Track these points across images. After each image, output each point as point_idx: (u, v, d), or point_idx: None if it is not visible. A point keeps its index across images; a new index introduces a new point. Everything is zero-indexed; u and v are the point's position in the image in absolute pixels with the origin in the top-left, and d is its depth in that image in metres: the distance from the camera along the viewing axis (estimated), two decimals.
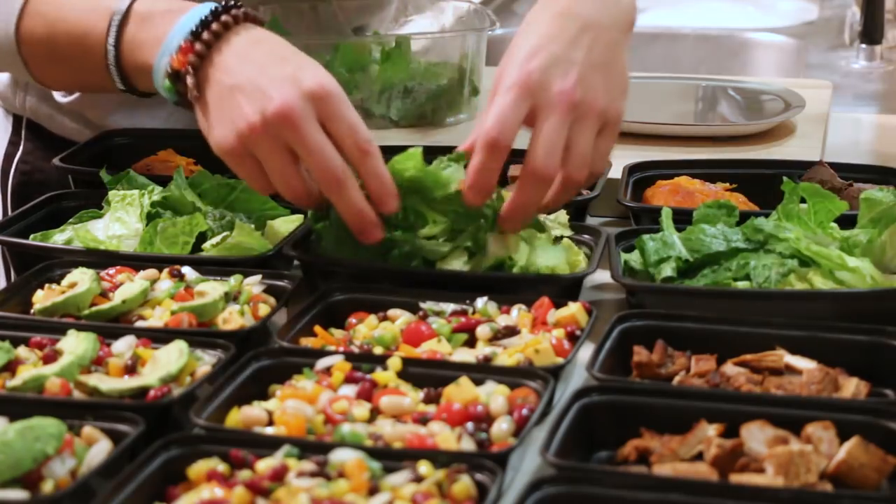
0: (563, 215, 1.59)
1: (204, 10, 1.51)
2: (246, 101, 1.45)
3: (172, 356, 1.31)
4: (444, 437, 1.19)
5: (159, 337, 1.36)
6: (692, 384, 1.30)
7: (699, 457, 1.18)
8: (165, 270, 1.50)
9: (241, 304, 1.45)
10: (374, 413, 1.25)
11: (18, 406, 1.23)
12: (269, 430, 1.22)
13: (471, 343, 1.38)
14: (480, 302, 1.43)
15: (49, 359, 1.31)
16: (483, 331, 1.38)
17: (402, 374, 1.30)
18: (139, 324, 1.42)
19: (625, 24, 1.57)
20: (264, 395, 1.29)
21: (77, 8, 1.62)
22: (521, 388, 1.26)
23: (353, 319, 1.43)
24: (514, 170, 1.67)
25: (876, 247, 1.50)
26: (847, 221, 1.56)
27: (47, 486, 1.13)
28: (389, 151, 1.52)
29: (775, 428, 1.18)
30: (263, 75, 1.45)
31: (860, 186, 1.71)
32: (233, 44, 1.49)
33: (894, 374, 1.33)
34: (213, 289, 1.45)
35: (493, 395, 1.25)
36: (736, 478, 1.14)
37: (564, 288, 1.50)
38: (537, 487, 1.11)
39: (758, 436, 1.17)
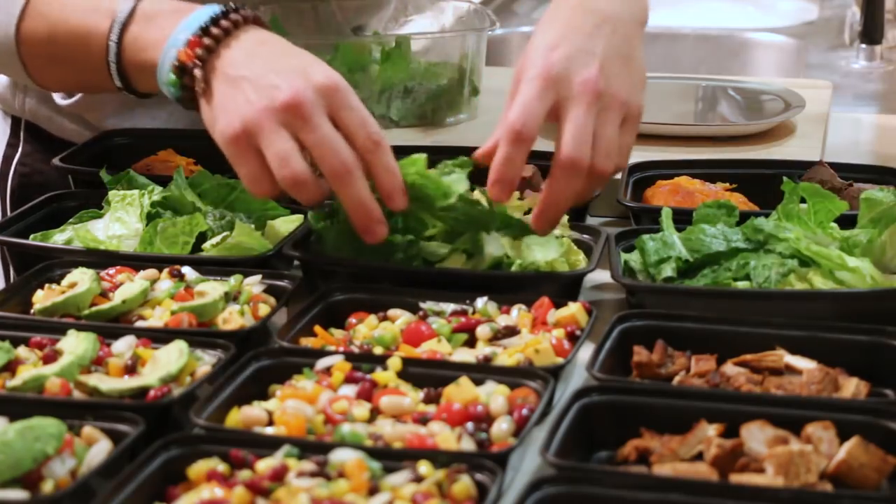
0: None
1: (213, 8, 1.51)
2: (254, 91, 1.44)
3: (172, 356, 1.31)
4: (444, 437, 1.19)
5: (159, 337, 1.36)
6: (692, 384, 1.30)
7: (699, 457, 1.18)
8: (165, 270, 1.49)
9: (241, 304, 1.45)
10: (374, 413, 1.25)
11: (18, 406, 1.23)
12: (269, 430, 1.22)
13: (471, 343, 1.38)
14: (480, 302, 1.43)
15: (49, 359, 1.31)
16: (483, 331, 1.38)
17: (402, 374, 1.30)
18: (139, 324, 1.42)
19: (641, 18, 1.58)
20: (264, 395, 1.29)
21: (80, 9, 1.62)
22: (521, 388, 1.26)
23: (353, 319, 1.43)
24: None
25: (876, 247, 1.50)
26: (847, 221, 1.56)
27: (47, 486, 1.13)
28: None
29: (775, 428, 1.18)
30: (272, 69, 1.45)
31: (860, 186, 1.71)
32: (241, 40, 1.49)
33: (894, 374, 1.33)
34: (213, 289, 1.45)
35: (493, 395, 1.25)
36: (736, 478, 1.14)
37: (564, 286, 1.50)
38: (537, 487, 1.10)
39: (758, 436, 1.17)
